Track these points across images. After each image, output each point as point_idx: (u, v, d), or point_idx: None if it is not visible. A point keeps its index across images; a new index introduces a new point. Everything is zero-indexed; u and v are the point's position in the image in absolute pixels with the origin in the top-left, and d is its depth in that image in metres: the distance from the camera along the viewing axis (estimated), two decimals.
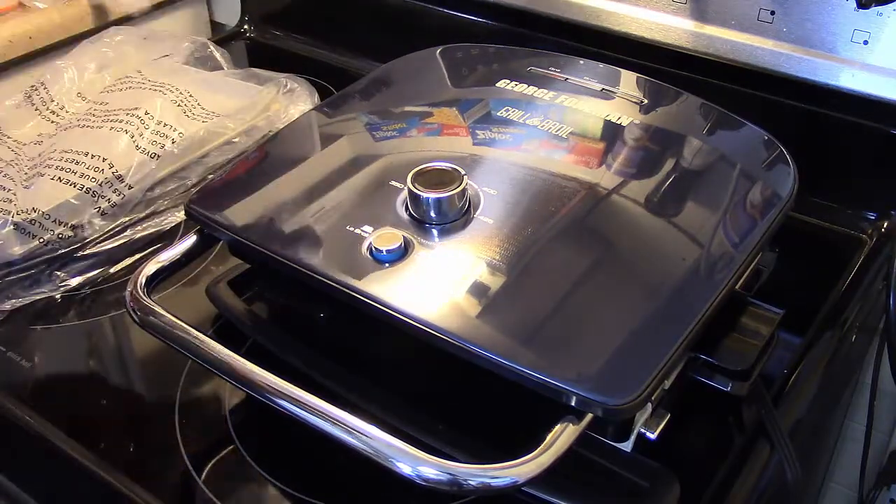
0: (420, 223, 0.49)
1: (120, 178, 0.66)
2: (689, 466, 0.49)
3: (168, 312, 0.47)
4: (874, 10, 0.60)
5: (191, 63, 0.85)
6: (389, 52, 0.69)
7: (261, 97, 0.77)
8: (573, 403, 0.41)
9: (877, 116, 0.64)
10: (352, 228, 0.49)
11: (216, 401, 0.53)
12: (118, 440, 0.51)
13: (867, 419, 0.73)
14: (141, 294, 0.48)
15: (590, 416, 0.41)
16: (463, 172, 0.49)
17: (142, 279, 0.49)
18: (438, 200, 0.48)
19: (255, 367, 0.44)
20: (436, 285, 0.46)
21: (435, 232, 0.49)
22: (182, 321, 0.46)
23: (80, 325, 0.60)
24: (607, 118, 0.58)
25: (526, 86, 0.62)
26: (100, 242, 0.65)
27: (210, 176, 0.71)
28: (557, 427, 0.40)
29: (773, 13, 0.65)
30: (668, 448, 0.48)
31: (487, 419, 0.48)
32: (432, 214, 0.49)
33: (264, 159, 0.58)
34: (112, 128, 0.69)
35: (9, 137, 0.74)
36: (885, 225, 0.66)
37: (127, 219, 0.67)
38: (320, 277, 0.47)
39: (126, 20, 0.91)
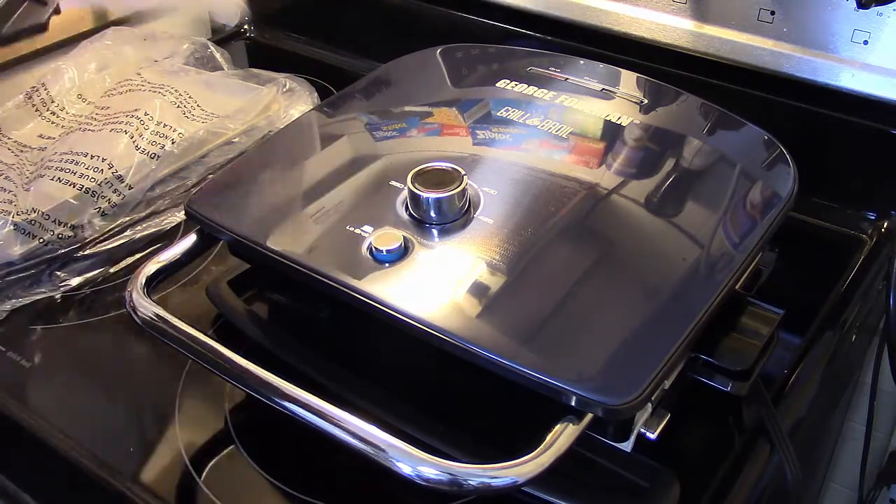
0: (420, 223, 0.49)
1: (120, 179, 0.66)
2: (689, 466, 0.49)
3: (168, 312, 0.47)
4: (874, 10, 0.60)
5: (191, 63, 0.85)
6: (389, 52, 0.69)
7: (261, 97, 0.77)
8: (573, 403, 0.41)
9: (877, 116, 0.64)
10: (352, 228, 0.49)
11: (216, 401, 0.53)
12: (118, 440, 0.51)
13: (867, 419, 0.73)
14: (141, 294, 0.48)
15: (590, 416, 0.41)
16: (463, 172, 0.49)
17: (142, 279, 0.49)
18: (438, 200, 0.48)
19: (255, 367, 0.44)
20: (436, 285, 0.46)
21: (435, 232, 0.49)
22: (182, 321, 0.47)
23: (80, 325, 0.60)
24: (607, 118, 0.58)
25: (526, 86, 0.62)
26: (100, 242, 0.65)
27: (210, 176, 0.71)
28: (557, 427, 0.40)
29: (773, 13, 0.65)
30: (668, 448, 0.48)
31: (488, 419, 0.48)
32: (432, 214, 0.49)
33: (264, 159, 0.58)
34: (112, 129, 0.69)
35: (9, 139, 0.74)
36: (885, 225, 0.66)
37: (127, 219, 0.67)
38: (320, 277, 0.47)
39: (125, 21, 0.91)
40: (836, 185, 0.68)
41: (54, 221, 0.63)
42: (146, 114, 0.71)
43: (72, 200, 0.64)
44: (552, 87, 0.61)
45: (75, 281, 0.63)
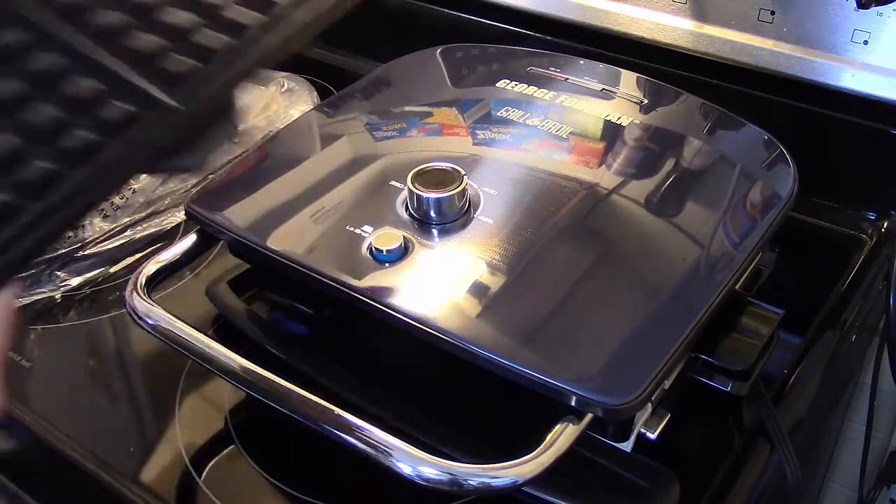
0: (420, 223, 0.49)
1: None
2: (689, 466, 0.49)
3: (168, 312, 0.47)
4: (874, 10, 0.60)
5: None
6: (389, 52, 0.69)
7: (261, 97, 0.77)
8: (573, 403, 0.41)
9: (877, 116, 0.64)
10: (352, 228, 0.49)
11: (216, 401, 0.53)
12: (118, 440, 0.51)
13: (867, 419, 0.73)
14: (141, 294, 0.48)
15: (590, 415, 0.41)
16: (463, 172, 0.50)
17: (142, 279, 0.49)
18: (438, 200, 0.48)
19: (255, 366, 0.44)
20: (436, 285, 0.46)
21: (435, 232, 0.49)
22: (182, 321, 0.47)
23: (80, 325, 0.60)
24: (607, 118, 0.58)
25: (526, 86, 0.62)
26: (100, 242, 0.65)
27: (210, 176, 0.71)
28: (557, 427, 0.40)
29: (773, 13, 0.65)
30: (668, 448, 0.48)
31: (488, 419, 0.48)
32: (432, 214, 0.49)
33: (264, 159, 0.58)
34: None
35: None
36: (885, 225, 0.66)
37: (127, 219, 0.67)
38: (320, 277, 0.47)
39: None
40: (836, 185, 0.68)
41: None
42: None
43: None
44: (552, 87, 0.61)
45: (75, 281, 0.63)
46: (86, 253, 0.64)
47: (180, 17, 0.33)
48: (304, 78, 0.81)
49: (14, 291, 0.30)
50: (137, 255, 0.65)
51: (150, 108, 0.31)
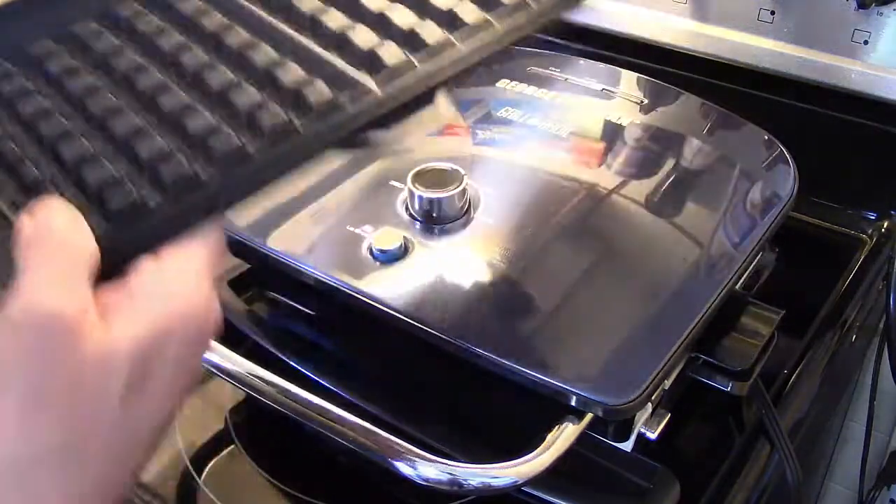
0: (420, 223, 0.49)
1: None
2: (689, 466, 0.49)
3: None
4: (874, 10, 0.60)
5: None
6: None
7: None
8: (573, 403, 0.41)
9: (877, 116, 0.64)
10: (352, 228, 0.49)
11: (216, 401, 0.53)
12: None
13: (867, 419, 0.73)
14: None
15: (590, 415, 0.41)
16: (463, 172, 0.49)
17: None
18: (438, 200, 0.48)
19: (255, 366, 0.44)
20: (436, 285, 0.46)
21: (435, 232, 0.49)
22: None
23: None
24: (607, 118, 0.58)
25: (526, 86, 0.62)
26: None
27: None
28: (558, 427, 0.40)
29: (773, 13, 0.65)
30: (668, 448, 0.48)
31: (487, 419, 0.48)
32: (432, 214, 0.49)
33: None
34: None
35: None
36: (885, 225, 0.66)
37: None
38: (320, 277, 0.47)
39: None
40: (836, 185, 0.68)
41: None
42: None
43: None
44: (552, 87, 0.61)
45: None
46: None
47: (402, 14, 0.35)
48: None
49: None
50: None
51: (350, 89, 0.32)
